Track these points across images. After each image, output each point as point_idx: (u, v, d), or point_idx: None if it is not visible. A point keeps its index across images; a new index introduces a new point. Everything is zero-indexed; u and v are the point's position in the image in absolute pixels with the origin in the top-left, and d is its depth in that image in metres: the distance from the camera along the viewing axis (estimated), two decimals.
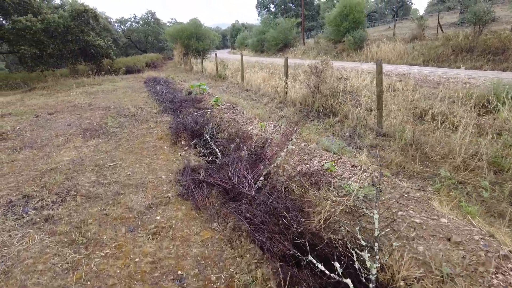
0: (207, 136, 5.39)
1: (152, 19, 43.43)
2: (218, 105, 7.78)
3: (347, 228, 2.78)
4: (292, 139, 4.04)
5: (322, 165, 3.85)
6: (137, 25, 43.24)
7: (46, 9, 14.84)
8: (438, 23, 20.74)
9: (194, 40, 25.47)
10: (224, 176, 3.74)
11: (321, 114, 7.21)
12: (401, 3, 57.52)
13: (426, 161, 4.76)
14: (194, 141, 5.42)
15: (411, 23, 37.64)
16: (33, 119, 7.50)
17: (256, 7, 44.80)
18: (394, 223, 2.73)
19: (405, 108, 6.71)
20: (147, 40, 43.92)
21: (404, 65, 17.05)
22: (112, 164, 4.49)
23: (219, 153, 4.65)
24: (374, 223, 2.56)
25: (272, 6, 43.24)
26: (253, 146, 4.49)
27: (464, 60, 15.64)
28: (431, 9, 50.56)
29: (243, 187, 3.44)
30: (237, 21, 66.90)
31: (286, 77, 8.90)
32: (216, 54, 16.01)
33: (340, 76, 7.95)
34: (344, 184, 3.26)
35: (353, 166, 3.87)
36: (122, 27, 43.28)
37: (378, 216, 2.23)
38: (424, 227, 2.69)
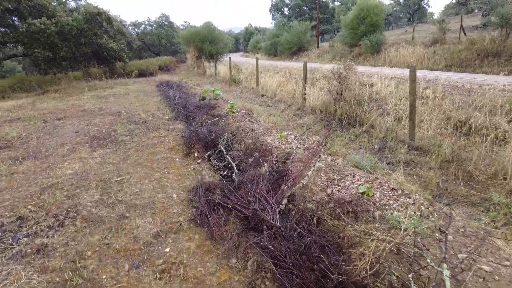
0: (222, 148, 4.94)
1: (166, 22, 43.60)
2: (233, 112, 7.33)
3: (396, 274, 2.26)
4: (320, 155, 3.54)
5: (357, 187, 3.34)
6: (150, 28, 43.48)
7: (61, 12, 14.78)
8: (461, 26, 19.89)
9: (207, 44, 25.25)
10: (242, 198, 3.27)
11: (345, 123, 6.68)
12: (418, 6, 56.32)
13: (470, 182, 4.18)
14: (208, 152, 4.97)
15: (428, 27, 36.62)
16: (41, 124, 7.21)
17: (270, 10, 44.48)
18: (457, 269, 2.19)
19: (437, 119, 6.12)
20: (161, 43, 44.10)
21: (426, 70, 16.30)
22: (118, 179, 4.08)
23: (235, 168, 4.18)
24: (429, 265, 2.04)
25: (286, 9, 42.84)
26: (274, 162, 4.01)
27: (490, 65, 14.82)
28: (450, 11, 49.23)
29: (265, 213, 2.96)
30: (250, 24, 66.85)
31: (305, 83, 8.40)
32: (230, 58, 15.63)
33: (364, 82, 7.40)
34: (389, 215, 2.74)
35: (392, 189, 3.34)
36: (136, 30, 43.60)
37: (449, 272, 1.71)
38: (497, 277, 2.15)
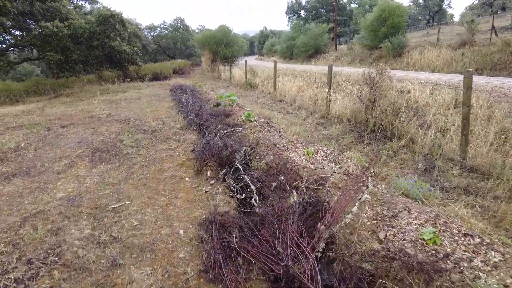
0: (239, 166, 4.22)
1: (181, 25, 43.53)
2: (251, 121, 6.62)
3: None
4: (367, 186, 2.76)
5: (417, 229, 2.54)
6: (166, 31, 43.48)
7: (74, 15, 14.49)
8: (493, 26, 18.64)
9: (222, 47, 24.73)
10: (267, 242, 2.52)
11: (379, 136, 5.85)
12: (439, 8, 54.45)
13: None
14: (223, 171, 4.26)
15: (451, 28, 35.04)
16: (44, 133, 6.68)
17: (286, 13, 43.71)
18: None
19: (489, 131, 5.21)
20: (176, 47, 44.04)
21: (454, 74, 15.20)
22: (117, 206, 3.40)
23: (255, 193, 3.45)
24: None
25: (302, 11, 41.99)
26: (304, 189, 3.25)
27: None
28: (473, 13, 47.21)
29: (298, 266, 2.21)
30: (265, 27, 66.32)
31: (330, 88, 7.60)
32: (246, 61, 14.97)
33: (401, 89, 6.54)
34: (475, 283, 1.94)
35: (465, 234, 2.52)
36: (152, 33, 43.68)
37: None
38: None
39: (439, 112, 6.45)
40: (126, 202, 3.48)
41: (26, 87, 20.55)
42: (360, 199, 2.70)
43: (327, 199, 2.95)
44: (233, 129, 6.03)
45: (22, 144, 5.79)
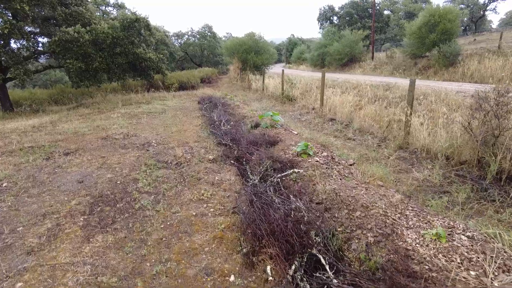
0: (322, 260, 2.45)
1: (209, 33, 42.69)
2: (309, 154, 4.83)
3: None
4: None
5: None
6: (193, 38, 42.78)
7: (98, 20, 13.39)
8: None
9: (252, 54, 23.22)
10: None
11: (507, 188, 3.88)
12: (482, 13, 50.71)
13: None
14: (293, 267, 2.48)
15: (497, 35, 31.73)
16: (41, 163, 5.21)
17: (318, 19, 41.69)
18: None
19: None
20: (203, 54, 43.18)
21: None
22: None
23: None
24: None
25: (335, 18, 39.89)
26: None
27: None
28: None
29: None
30: (292, 35, 64.60)
31: (411, 109, 5.67)
32: (283, 70, 13.25)
33: None
34: None
35: None
36: (179, 41, 43.12)
37: None
38: None
39: None
40: None
41: (50, 95, 19.97)
42: None
43: None
44: (288, 172, 4.25)
45: (4, 184, 4.30)
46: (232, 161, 5.13)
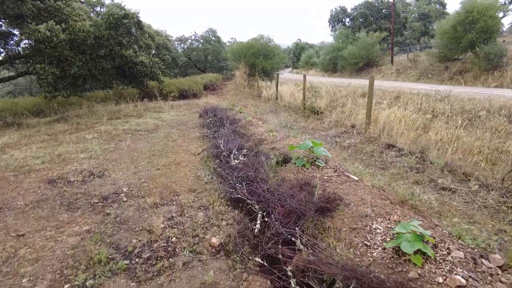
0: None
1: (213, 37, 40.47)
2: (425, 254, 2.29)
3: None
4: None
5: None
6: (197, 43, 40.57)
7: (77, 17, 11.02)
8: None
9: (261, 58, 20.81)
10: None
11: None
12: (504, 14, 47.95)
13: None
14: None
15: None
16: None
17: (329, 21, 39.24)
18: None
19: None
20: (207, 59, 40.93)
21: None
22: None
23: None
24: None
25: (347, 20, 37.38)
26: None
27: None
28: None
29: None
30: (299, 39, 62.33)
31: None
32: (305, 76, 10.75)
33: None
34: None
35: None
36: (182, 46, 40.92)
37: None
38: None
39: None
40: None
41: (35, 104, 17.63)
42: None
43: None
44: None
45: None
46: (258, 259, 2.60)
